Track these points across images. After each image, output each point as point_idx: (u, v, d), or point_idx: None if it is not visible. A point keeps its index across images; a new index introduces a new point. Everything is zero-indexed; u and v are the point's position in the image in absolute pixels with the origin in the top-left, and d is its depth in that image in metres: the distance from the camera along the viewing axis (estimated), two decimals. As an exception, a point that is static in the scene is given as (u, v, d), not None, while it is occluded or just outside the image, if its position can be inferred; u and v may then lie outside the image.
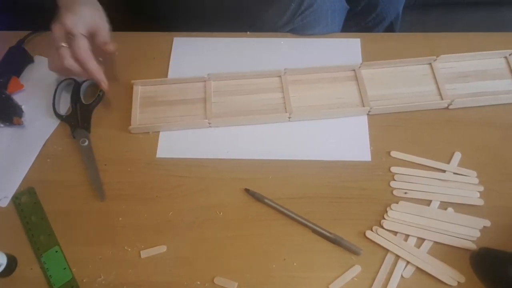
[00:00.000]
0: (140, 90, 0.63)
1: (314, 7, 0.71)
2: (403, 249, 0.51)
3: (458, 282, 0.49)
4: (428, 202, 0.54)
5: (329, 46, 0.67)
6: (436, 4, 1.26)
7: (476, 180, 0.55)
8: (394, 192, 0.55)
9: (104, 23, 0.57)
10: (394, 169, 0.57)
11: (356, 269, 0.50)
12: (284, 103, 0.61)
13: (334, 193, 0.55)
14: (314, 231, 0.53)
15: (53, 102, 0.62)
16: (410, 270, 0.50)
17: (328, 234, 0.52)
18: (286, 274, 0.51)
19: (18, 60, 0.66)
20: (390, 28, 0.86)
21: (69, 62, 0.54)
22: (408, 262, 0.51)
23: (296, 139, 0.60)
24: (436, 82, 0.62)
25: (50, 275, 0.51)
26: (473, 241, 0.52)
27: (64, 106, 0.63)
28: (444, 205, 0.54)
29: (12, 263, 0.51)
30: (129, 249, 0.52)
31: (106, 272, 0.51)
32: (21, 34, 0.68)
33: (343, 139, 0.59)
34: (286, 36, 0.69)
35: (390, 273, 0.50)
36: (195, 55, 0.67)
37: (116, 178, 0.57)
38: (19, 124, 0.61)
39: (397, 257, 0.51)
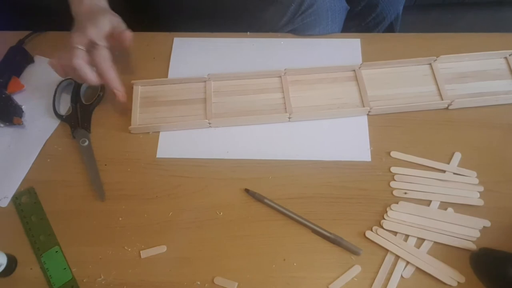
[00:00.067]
0: (140, 90, 0.63)
1: (314, 8, 0.71)
2: (403, 249, 0.51)
3: (458, 282, 0.49)
4: (428, 202, 0.55)
5: (329, 46, 0.68)
6: (436, 4, 1.27)
7: (476, 181, 0.55)
8: (394, 192, 0.55)
9: (121, 24, 0.58)
10: (394, 169, 0.57)
11: (356, 269, 0.50)
12: (284, 103, 0.61)
13: (334, 193, 0.55)
14: (314, 231, 0.53)
15: (53, 102, 0.62)
16: (410, 270, 0.50)
17: (328, 234, 0.52)
18: (286, 274, 0.51)
19: (18, 60, 0.66)
20: (390, 28, 0.86)
21: (80, 62, 0.53)
22: (408, 262, 0.51)
23: (296, 139, 0.60)
24: (436, 83, 0.62)
25: (50, 275, 0.51)
26: (473, 241, 0.52)
27: (64, 106, 0.63)
28: (444, 205, 0.54)
29: (12, 263, 0.51)
30: (129, 249, 0.53)
31: (106, 272, 0.51)
32: (21, 34, 0.68)
33: (343, 139, 0.59)
34: (286, 36, 0.69)
35: (390, 273, 0.50)
36: (195, 55, 0.67)
37: (116, 178, 0.57)
38: (19, 124, 0.61)
39: (397, 257, 0.51)
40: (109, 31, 0.56)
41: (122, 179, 0.57)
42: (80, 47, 0.54)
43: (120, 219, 0.54)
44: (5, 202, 0.56)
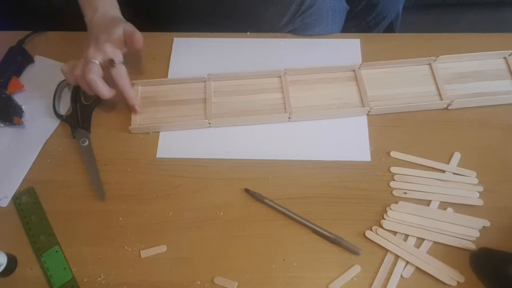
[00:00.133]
0: (140, 90, 0.64)
1: (315, 8, 0.71)
2: (403, 249, 0.51)
3: (458, 282, 0.50)
4: (427, 202, 0.55)
5: (329, 46, 0.68)
6: (436, 4, 1.27)
7: (476, 180, 0.55)
8: (394, 192, 0.55)
9: (134, 29, 0.59)
10: (393, 169, 0.57)
11: (356, 269, 0.51)
12: (284, 103, 0.62)
13: (333, 193, 0.55)
14: (314, 231, 0.53)
15: (53, 102, 0.62)
16: (409, 270, 0.50)
17: (328, 234, 0.52)
18: (286, 274, 0.51)
19: (18, 60, 0.66)
20: (390, 28, 0.86)
21: (95, 77, 0.55)
22: (407, 262, 0.51)
23: (296, 139, 0.60)
24: (436, 83, 0.62)
25: (50, 275, 0.51)
26: (472, 241, 0.52)
27: (64, 106, 0.63)
28: (443, 205, 0.54)
29: (12, 263, 0.51)
30: (129, 249, 0.53)
31: (106, 272, 0.51)
32: (21, 34, 0.68)
33: (342, 139, 0.59)
34: (286, 37, 0.69)
35: (390, 273, 0.50)
36: (195, 55, 0.67)
37: (116, 178, 0.57)
38: (19, 124, 0.61)
39: (397, 257, 0.51)
40: (122, 39, 0.57)
41: (122, 179, 0.57)
42: (95, 61, 0.55)
43: (120, 219, 0.55)
44: (5, 202, 0.56)
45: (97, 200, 0.56)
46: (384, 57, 0.65)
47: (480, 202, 0.54)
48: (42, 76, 0.66)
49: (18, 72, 0.65)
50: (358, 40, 0.68)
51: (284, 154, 0.58)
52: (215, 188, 0.56)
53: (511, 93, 0.61)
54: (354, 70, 0.64)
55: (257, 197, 0.55)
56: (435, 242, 0.52)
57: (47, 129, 0.61)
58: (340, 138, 0.60)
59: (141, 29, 0.61)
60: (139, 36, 0.57)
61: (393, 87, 0.63)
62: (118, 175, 0.57)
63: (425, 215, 0.53)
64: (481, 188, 0.55)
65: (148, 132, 0.61)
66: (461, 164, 0.57)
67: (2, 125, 0.61)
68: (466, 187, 0.55)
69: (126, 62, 0.58)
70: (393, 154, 0.58)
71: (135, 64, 0.66)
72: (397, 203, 0.54)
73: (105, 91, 0.56)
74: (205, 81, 0.64)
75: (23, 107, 0.63)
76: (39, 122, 0.62)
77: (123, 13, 0.62)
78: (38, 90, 0.64)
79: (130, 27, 0.58)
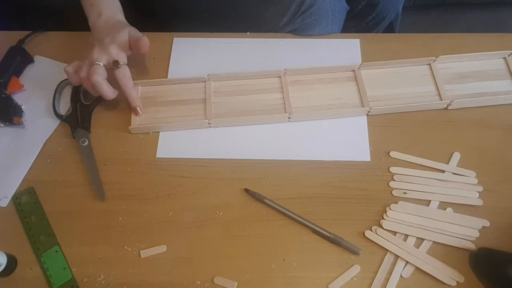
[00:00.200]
0: (140, 90, 0.64)
1: (315, 8, 0.71)
2: (402, 249, 0.51)
3: (457, 282, 0.50)
4: (427, 202, 0.55)
5: (329, 46, 0.68)
6: (436, 4, 1.27)
7: (475, 181, 0.56)
8: (394, 192, 0.55)
9: (138, 34, 0.59)
10: (393, 169, 0.57)
11: (356, 269, 0.51)
12: (284, 103, 0.62)
13: (333, 193, 0.55)
14: (314, 231, 0.53)
15: (53, 102, 0.62)
16: (409, 270, 0.50)
17: (327, 234, 0.52)
18: (286, 274, 0.51)
19: (18, 60, 0.66)
20: (390, 28, 0.87)
21: (99, 79, 0.56)
22: (407, 262, 0.51)
23: (295, 139, 0.60)
24: (436, 83, 0.62)
25: (50, 275, 0.51)
26: (472, 241, 0.52)
27: (64, 106, 0.63)
28: (443, 205, 0.54)
29: (12, 263, 0.51)
30: (129, 249, 0.53)
31: (106, 272, 0.51)
32: (21, 34, 0.68)
33: (342, 140, 0.59)
34: (286, 37, 0.69)
35: (389, 273, 0.50)
36: (195, 55, 0.67)
37: (116, 178, 0.57)
38: (19, 124, 0.61)
39: (396, 257, 0.51)
40: (127, 43, 0.58)
41: (122, 179, 0.57)
42: (100, 63, 0.56)
43: (120, 219, 0.55)
44: (5, 202, 0.56)
45: (97, 200, 0.56)
46: (383, 57, 0.65)
47: (479, 202, 0.54)
48: (42, 76, 0.66)
49: (18, 72, 0.65)
50: (358, 40, 0.68)
51: (284, 154, 0.58)
52: (215, 188, 0.56)
53: (511, 93, 0.61)
54: (354, 70, 0.64)
55: (257, 197, 0.55)
56: (434, 242, 0.52)
57: (47, 129, 0.61)
58: (340, 138, 0.60)
59: (141, 29, 0.61)
60: (145, 42, 0.57)
61: (393, 87, 0.63)
62: (118, 175, 0.57)
63: (425, 215, 0.53)
64: (480, 188, 0.55)
65: (148, 132, 0.61)
66: (460, 164, 0.57)
67: (2, 125, 0.61)
68: (466, 187, 0.55)
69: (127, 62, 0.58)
70: (393, 154, 0.58)
71: (135, 64, 0.66)
72: (396, 203, 0.54)
73: (109, 92, 0.57)
74: (205, 81, 0.64)
75: (23, 107, 0.63)
76: (39, 122, 0.62)
77: (124, 13, 0.62)
78: (38, 90, 0.64)
79: (135, 31, 0.59)
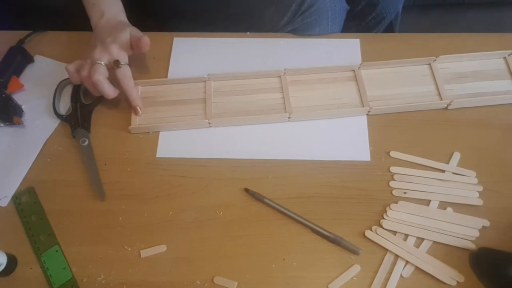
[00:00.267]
0: (140, 90, 0.64)
1: (315, 8, 0.71)
2: (403, 248, 0.51)
3: (457, 282, 0.50)
4: (427, 202, 0.55)
5: (329, 46, 0.68)
6: (435, 4, 1.27)
7: (475, 180, 0.56)
8: (394, 192, 0.55)
9: (140, 34, 0.60)
10: (393, 169, 0.57)
11: (356, 269, 0.51)
12: (284, 103, 0.62)
13: (333, 193, 0.56)
14: (314, 231, 0.53)
15: (53, 102, 0.62)
16: (409, 270, 0.50)
17: (327, 234, 0.52)
18: (286, 274, 0.51)
19: (18, 60, 0.66)
20: (390, 28, 0.87)
21: (100, 78, 0.56)
22: (407, 262, 0.51)
23: (295, 139, 0.60)
24: (436, 83, 0.62)
25: (50, 275, 0.51)
26: (472, 241, 0.52)
27: (64, 106, 0.63)
28: (443, 205, 0.54)
29: (12, 262, 0.51)
30: (129, 249, 0.53)
31: (106, 271, 0.51)
32: (21, 34, 0.68)
33: (342, 139, 0.59)
34: (286, 36, 0.69)
35: (390, 273, 0.50)
36: (195, 55, 0.67)
37: (116, 178, 0.57)
38: (19, 123, 0.61)
39: (396, 256, 0.51)
40: (129, 43, 0.58)
41: (122, 179, 0.57)
42: (101, 63, 0.56)
43: (120, 219, 0.55)
44: (5, 202, 0.56)
45: (97, 200, 0.56)
46: (383, 57, 0.65)
47: (479, 202, 0.54)
48: (42, 76, 0.66)
49: (18, 71, 0.65)
50: (358, 40, 0.68)
51: (284, 154, 0.58)
52: (215, 188, 0.56)
53: (511, 93, 0.61)
54: (353, 70, 0.64)
55: (257, 197, 0.55)
56: (434, 242, 0.52)
57: (47, 129, 0.61)
58: (340, 138, 0.60)
59: (141, 29, 0.61)
60: (146, 42, 0.58)
61: (392, 87, 0.63)
62: (118, 175, 0.57)
63: (425, 215, 0.53)
64: (480, 188, 0.55)
65: (148, 132, 0.61)
66: (460, 164, 0.57)
67: (2, 125, 0.61)
68: (466, 187, 0.55)
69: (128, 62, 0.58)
70: (393, 154, 0.58)
71: (135, 64, 0.66)
72: (397, 203, 0.54)
73: (110, 92, 0.57)
74: (205, 81, 0.64)
75: (23, 106, 0.63)
76: (39, 122, 0.62)
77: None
78: (38, 90, 0.64)
79: (136, 31, 0.59)
